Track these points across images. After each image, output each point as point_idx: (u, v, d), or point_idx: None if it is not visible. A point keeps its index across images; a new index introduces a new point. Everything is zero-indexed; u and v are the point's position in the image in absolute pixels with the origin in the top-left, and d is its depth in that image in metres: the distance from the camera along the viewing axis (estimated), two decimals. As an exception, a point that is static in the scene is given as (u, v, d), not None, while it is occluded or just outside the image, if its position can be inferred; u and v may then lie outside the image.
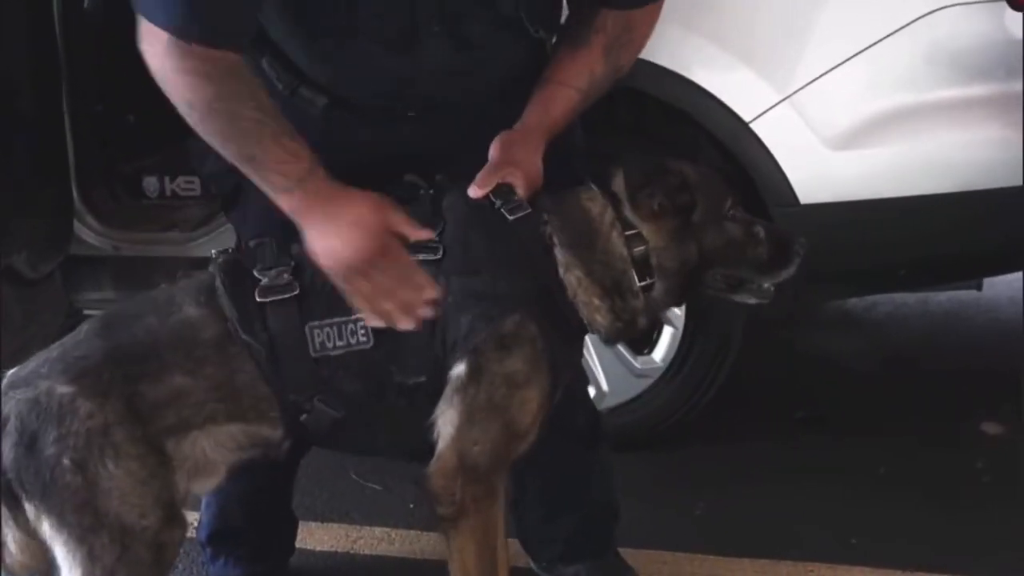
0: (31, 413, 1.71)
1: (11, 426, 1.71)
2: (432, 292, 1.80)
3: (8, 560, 1.76)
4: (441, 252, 1.83)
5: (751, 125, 2.67)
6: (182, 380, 1.77)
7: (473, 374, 1.80)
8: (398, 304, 1.79)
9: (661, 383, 2.92)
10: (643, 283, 1.88)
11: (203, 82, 1.74)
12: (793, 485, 2.75)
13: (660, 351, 2.92)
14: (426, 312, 1.80)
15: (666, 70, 2.67)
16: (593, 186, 1.93)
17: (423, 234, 1.83)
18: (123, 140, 3.25)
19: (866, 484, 2.80)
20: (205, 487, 1.88)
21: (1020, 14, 2.59)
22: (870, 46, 2.61)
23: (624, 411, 2.93)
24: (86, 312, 3.12)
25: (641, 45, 2.04)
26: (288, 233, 1.86)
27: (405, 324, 1.79)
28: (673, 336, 2.91)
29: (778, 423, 3.04)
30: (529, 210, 1.87)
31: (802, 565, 2.41)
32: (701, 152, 2.86)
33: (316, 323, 1.80)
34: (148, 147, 3.36)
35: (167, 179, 3.29)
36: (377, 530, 2.64)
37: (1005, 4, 2.57)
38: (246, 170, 1.80)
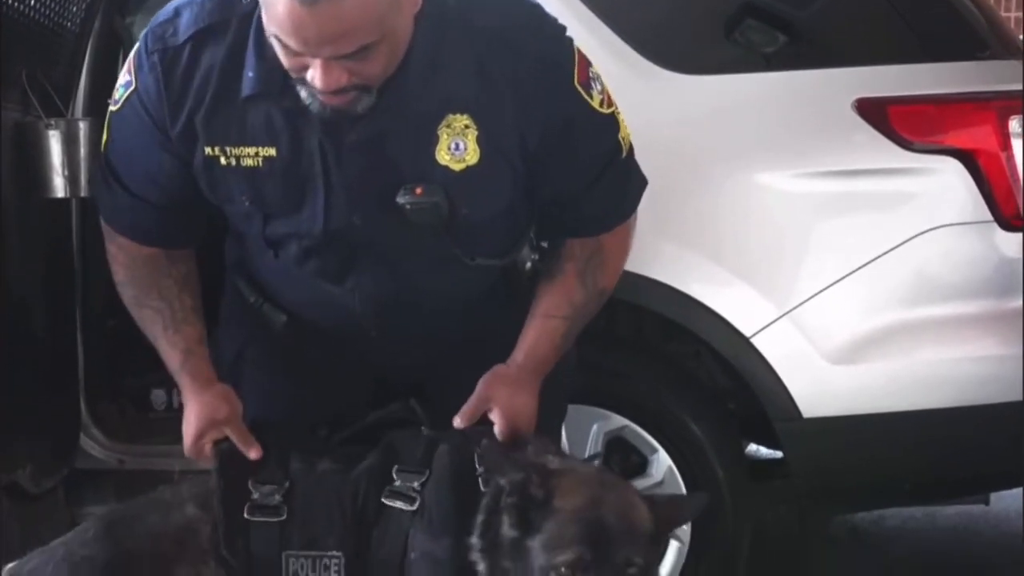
0: None
1: None
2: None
3: None
4: (417, 504, 1.86)
5: (752, 340, 2.71)
6: (183, 572, 1.83)
7: None
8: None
9: (668, 599, 2.87)
10: None
11: (119, 267, 2.04)
12: None
13: (666, 566, 2.88)
14: None
15: (666, 286, 2.73)
16: None
17: (253, 453, 1.93)
18: (133, 354, 3.29)
19: None
20: None
21: (1011, 234, 2.68)
22: (866, 264, 2.69)
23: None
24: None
25: (617, 266, 2.07)
26: (288, 416, 2.04)
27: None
28: (679, 551, 2.87)
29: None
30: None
31: None
32: (703, 365, 2.92)
33: (293, 553, 1.85)
34: (157, 361, 3.40)
35: (175, 392, 3.31)
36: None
37: (995, 225, 2.67)
38: None
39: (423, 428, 1.96)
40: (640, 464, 2.89)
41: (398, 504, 1.86)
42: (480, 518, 1.81)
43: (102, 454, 3.07)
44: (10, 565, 1.83)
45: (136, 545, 1.85)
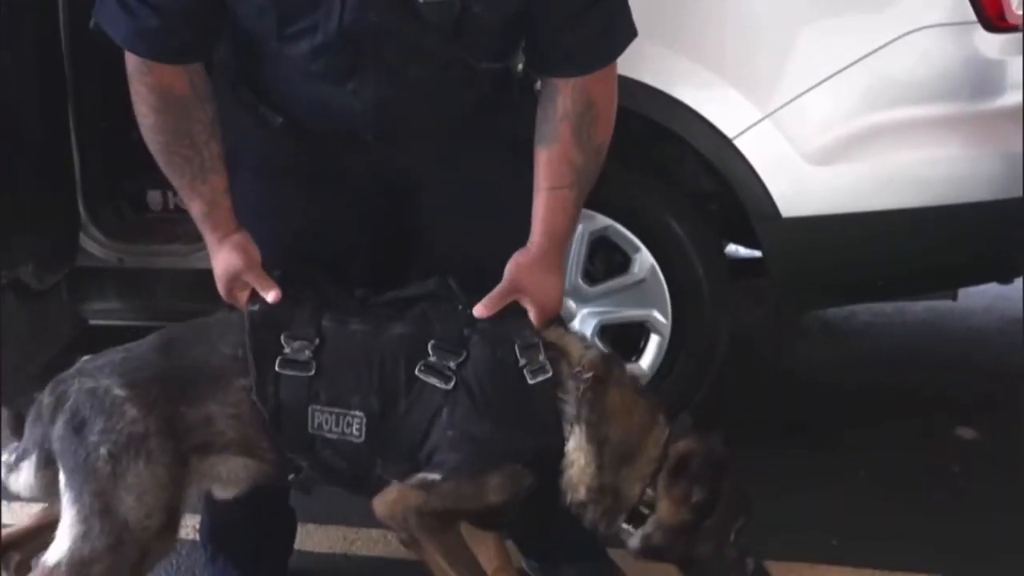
0: (87, 402, 1.91)
1: (68, 406, 1.92)
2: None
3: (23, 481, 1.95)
4: (453, 383, 1.93)
5: (734, 142, 2.76)
6: (215, 409, 1.95)
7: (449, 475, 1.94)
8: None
9: (648, 391, 2.99)
10: (629, 524, 1.99)
11: (148, 110, 1.98)
12: (774, 489, 2.82)
13: (647, 359, 3.00)
14: None
15: (652, 88, 2.76)
16: (680, 428, 2.01)
17: (271, 296, 1.99)
18: (128, 156, 3.32)
19: (845, 488, 2.88)
20: (222, 495, 2.07)
21: (991, 35, 2.70)
22: (848, 66, 2.71)
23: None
24: (91, 322, 3.21)
25: (609, 118, 2.04)
26: (277, 224, 2.09)
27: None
28: (660, 345, 2.99)
29: (760, 431, 3.09)
30: (549, 374, 1.93)
31: (784, 565, 2.47)
32: (687, 167, 2.97)
33: (318, 407, 1.95)
34: (152, 163, 3.43)
35: (170, 193, 3.35)
36: (374, 532, 2.70)
37: (978, 25, 2.68)
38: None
39: (460, 306, 1.99)
40: (623, 262, 2.98)
41: (432, 380, 1.93)
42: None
43: (102, 253, 3.12)
44: (86, 358, 2.00)
45: (182, 367, 1.97)
